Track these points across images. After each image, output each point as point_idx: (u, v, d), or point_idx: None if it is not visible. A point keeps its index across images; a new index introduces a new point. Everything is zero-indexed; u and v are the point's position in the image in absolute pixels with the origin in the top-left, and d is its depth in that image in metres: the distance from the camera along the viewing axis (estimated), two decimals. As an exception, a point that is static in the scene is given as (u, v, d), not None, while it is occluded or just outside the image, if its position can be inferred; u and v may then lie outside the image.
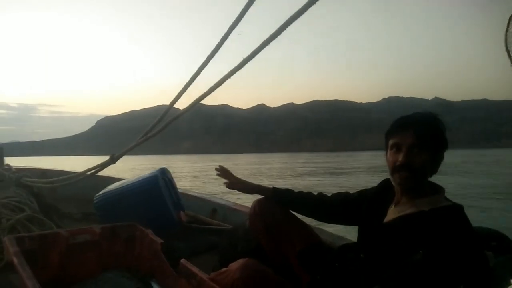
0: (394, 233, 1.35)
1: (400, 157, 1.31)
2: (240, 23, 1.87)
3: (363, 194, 1.65)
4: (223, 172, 2.00)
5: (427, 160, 1.31)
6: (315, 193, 1.84)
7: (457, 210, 1.29)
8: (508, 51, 1.64)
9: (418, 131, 1.31)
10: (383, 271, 1.29)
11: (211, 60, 2.08)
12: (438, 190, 1.37)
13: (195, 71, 2.16)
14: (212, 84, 1.96)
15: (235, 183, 1.96)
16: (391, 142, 1.37)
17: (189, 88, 2.23)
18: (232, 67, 1.83)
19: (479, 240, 1.26)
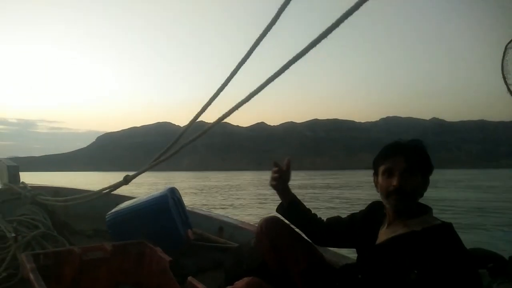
0: (388, 253, 1.39)
1: (394, 182, 1.37)
2: (258, 48, 1.91)
3: (354, 217, 1.71)
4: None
5: (418, 183, 1.38)
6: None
7: (447, 228, 1.34)
8: (504, 78, 1.74)
9: (409, 156, 1.38)
10: None
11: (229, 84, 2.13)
12: (426, 210, 1.43)
13: (212, 95, 2.19)
14: (224, 109, 1.96)
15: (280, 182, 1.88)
16: (382, 168, 1.44)
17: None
18: (249, 91, 1.83)
19: (470, 257, 1.29)
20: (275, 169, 1.88)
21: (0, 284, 2.09)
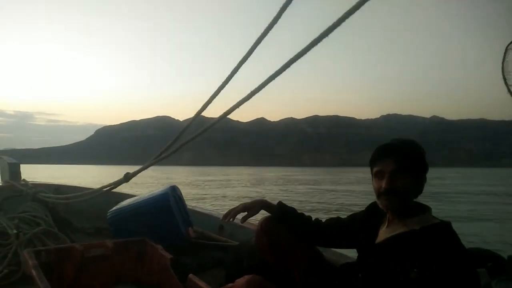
0: (388, 252, 1.41)
1: (383, 184, 1.40)
2: (260, 45, 1.92)
3: (353, 218, 1.73)
4: (231, 214, 1.96)
5: (409, 183, 1.40)
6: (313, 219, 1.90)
7: (446, 226, 1.37)
8: (505, 79, 1.76)
9: (398, 157, 1.40)
10: None
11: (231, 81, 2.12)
12: (425, 209, 1.45)
13: (214, 92, 2.19)
14: (227, 105, 1.97)
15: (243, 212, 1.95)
16: (374, 170, 1.47)
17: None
18: (251, 89, 1.83)
19: (469, 255, 1.31)
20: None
21: (2, 281, 2.11)
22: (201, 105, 2.20)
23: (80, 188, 3.92)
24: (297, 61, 1.59)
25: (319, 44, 1.51)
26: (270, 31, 1.87)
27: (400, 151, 1.42)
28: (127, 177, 2.49)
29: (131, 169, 2.50)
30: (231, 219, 1.93)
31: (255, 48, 1.97)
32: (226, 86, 2.17)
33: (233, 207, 1.96)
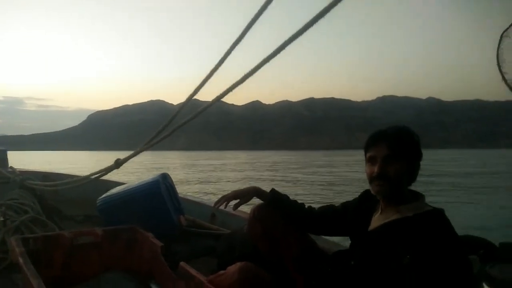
0: (381, 239, 1.42)
1: (376, 168, 1.40)
2: (253, 27, 1.88)
3: (346, 206, 1.73)
4: (223, 200, 1.96)
5: (402, 170, 1.39)
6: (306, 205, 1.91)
7: (439, 213, 1.37)
8: (499, 67, 1.74)
9: (391, 143, 1.40)
10: (373, 277, 1.36)
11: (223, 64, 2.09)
12: (419, 196, 1.45)
13: (206, 75, 2.15)
14: (220, 88, 1.95)
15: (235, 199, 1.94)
16: (368, 155, 1.47)
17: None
18: (245, 72, 1.81)
19: (461, 242, 1.32)
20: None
21: (-11, 268, 2.10)
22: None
23: (68, 175, 3.89)
24: (292, 43, 1.55)
25: (314, 26, 1.47)
26: (264, 12, 1.83)
27: (393, 136, 1.42)
28: (118, 163, 2.46)
29: (125, 154, 2.46)
30: (222, 206, 1.93)
31: (247, 31, 1.92)
32: (219, 69, 2.12)
33: (225, 193, 1.95)
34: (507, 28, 1.70)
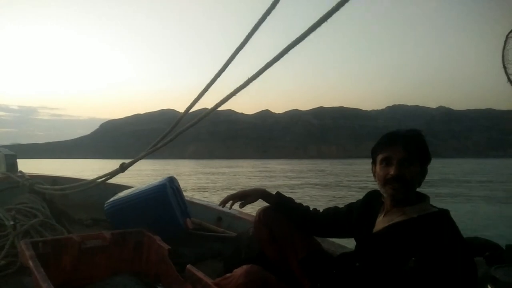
0: (386, 241, 1.42)
1: (392, 170, 1.39)
2: (256, 33, 1.90)
3: (351, 207, 1.73)
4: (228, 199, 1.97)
5: (416, 172, 1.40)
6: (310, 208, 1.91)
7: (444, 215, 1.37)
8: (505, 68, 1.73)
9: (407, 145, 1.40)
10: (379, 279, 1.36)
11: (227, 69, 2.11)
12: (423, 198, 1.45)
13: (210, 80, 2.18)
14: (223, 93, 1.97)
15: (241, 199, 1.95)
16: (380, 156, 1.46)
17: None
18: (247, 77, 1.84)
19: (467, 244, 1.31)
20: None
21: (0, 272, 2.12)
22: (203, 97, 2.17)
23: (76, 179, 3.93)
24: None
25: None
26: (269, 17, 1.85)
27: (409, 139, 1.42)
28: (123, 168, 2.49)
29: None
30: (228, 205, 1.95)
31: (252, 35, 1.95)
32: (224, 74, 2.15)
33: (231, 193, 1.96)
34: None
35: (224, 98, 1.96)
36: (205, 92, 2.25)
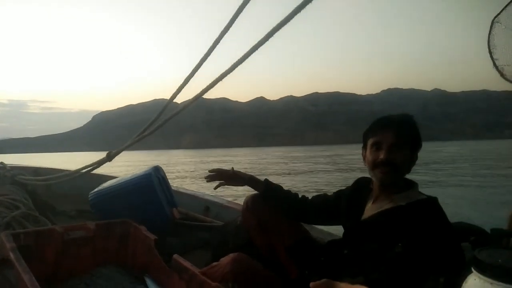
0: (374, 228, 1.43)
1: (381, 155, 1.40)
2: (240, 16, 1.87)
3: (340, 194, 1.73)
4: (217, 174, 1.97)
5: (406, 158, 1.40)
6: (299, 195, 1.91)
7: (432, 202, 1.38)
8: (490, 53, 1.72)
9: (397, 130, 1.40)
10: (366, 265, 1.36)
11: (212, 54, 2.07)
12: (412, 185, 1.46)
13: (195, 65, 2.15)
14: (213, 79, 1.95)
15: (229, 180, 1.95)
16: (370, 141, 1.46)
17: (189, 83, 2.22)
18: (233, 61, 1.82)
19: (454, 230, 1.33)
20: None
21: (-20, 266, 2.08)
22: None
23: (60, 170, 3.87)
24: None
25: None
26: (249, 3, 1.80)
27: (401, 124, 1.43)
28: (110, 156, 2.46)
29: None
30: (216, 181, 1.97)
31: (235, 19, 1.90)
32: (212, 59, 2.11)
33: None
34: (498, 14, 1.70)
35: (212, 83, 1.94)
36: (190, 78, 2.21)
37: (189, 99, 2.15)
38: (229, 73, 1.86)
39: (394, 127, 1.41)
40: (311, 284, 0.99)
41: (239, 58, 1.79)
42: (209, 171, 1.98)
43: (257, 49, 1.71)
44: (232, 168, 1.98)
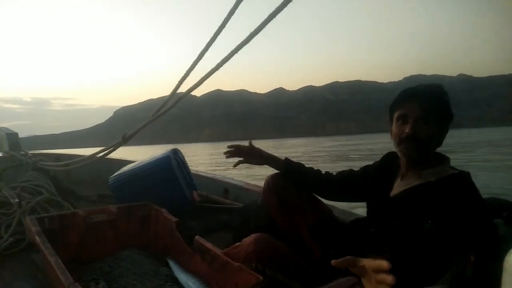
0: (402, 206, 1.38)
1: (407, 129, 1.34)
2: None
3: (367, 170, 1.68)
4: (235, 150, 1.96)
5: (433, 132, 1.34)
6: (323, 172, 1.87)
7: (464, 177, 1.32)
8: None
9: (424, 102, 1.34)
10: (394, 243, 1.32)
11: (218, 38, 2.05)
12: (443, 160, 1.40)
13: (202, 48, 2.14)
14: (219, 61, 1.93)
15: (247, 157, 1.93)
16: (396, 114, 1.41)
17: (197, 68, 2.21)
18: (239, 42, 1.73)
19: (486, 205, 1.28)
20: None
21: (9, 249, 2.15)
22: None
23: (80, 155, 3.97)
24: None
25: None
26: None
27: (427, 96, 1.36)
28: (125, 138, 2.50)
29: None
30: (234, 154, 1.94)
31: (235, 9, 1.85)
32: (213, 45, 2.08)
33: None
34: None
35: (220, 62, 1.90)
36: (199, 60, 2.19)
37: (197, 81, 2.13)
38: (235, 53, 1.82)
39: (420, 98, 1.35)
40: (333, 261, 0.94)
41: (244, 38, 1.75)
42: (228, 146, 1.97)
43: (262, 28, 1.67)
44: (250, 142, 1.95)
